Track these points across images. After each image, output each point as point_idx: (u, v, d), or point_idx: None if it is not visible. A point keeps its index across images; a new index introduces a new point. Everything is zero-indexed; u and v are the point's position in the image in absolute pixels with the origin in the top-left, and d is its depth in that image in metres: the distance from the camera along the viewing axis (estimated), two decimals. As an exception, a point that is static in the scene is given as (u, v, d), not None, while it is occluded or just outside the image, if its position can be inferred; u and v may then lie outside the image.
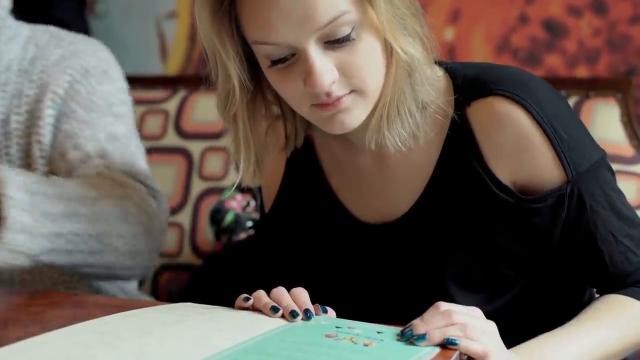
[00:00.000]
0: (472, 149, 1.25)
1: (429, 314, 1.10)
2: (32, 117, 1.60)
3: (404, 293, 1.32)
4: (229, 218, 1.91)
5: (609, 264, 1.26)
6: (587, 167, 1.25)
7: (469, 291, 1.28)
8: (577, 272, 1.30)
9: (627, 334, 1.21)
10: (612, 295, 1.25)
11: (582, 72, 2.25)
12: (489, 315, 1.15)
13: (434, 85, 1.25)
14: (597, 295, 1.34)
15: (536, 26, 2.27)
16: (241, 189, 1.92)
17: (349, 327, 1.13)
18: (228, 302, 1.23)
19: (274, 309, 1.15)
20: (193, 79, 2.27)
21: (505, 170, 1.25)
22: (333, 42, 1.15)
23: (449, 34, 2.32)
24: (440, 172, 1.28)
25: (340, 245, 1.36)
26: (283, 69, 1.18)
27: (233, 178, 2.06)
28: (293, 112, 1.30)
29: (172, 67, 2.53)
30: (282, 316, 1.16)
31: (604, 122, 1.88)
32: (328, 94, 1.16)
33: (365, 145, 1.27)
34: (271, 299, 1.18)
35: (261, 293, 1.19)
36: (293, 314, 1.14)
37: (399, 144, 1.23)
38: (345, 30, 1.15)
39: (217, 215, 1.84)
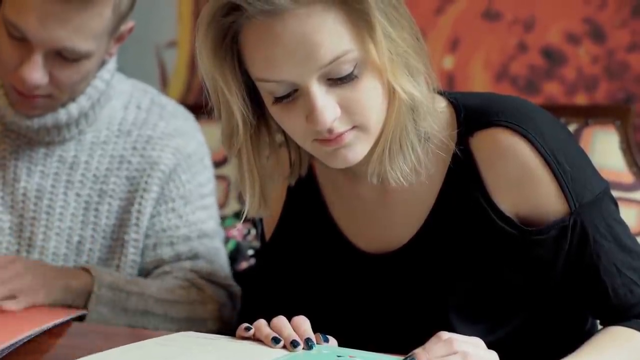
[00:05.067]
0: (475, 180, 1.25)
1: (431, 343, 1.10)
2: (136, 187, 1.67)
3: (405, 323, 1.31)
4: (230, 247, 1.91)
5: (612, 296, 1.25)
6: (590, 199, 1.25)
7: (470, 322, 1.28)
8: (580, 304, 1.30)
9: None
10: (615, 327, 1.24)
11: (581, 99, 2.25)
12: (490, 345, 1.14)
13: (436, 117, 1.25)
14: (599, 327, 1.33)
15: (535, 54, 2.28)
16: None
17: (351, 356, 1.13)
18: (233, 330, 1.23)
19: (275, 340, 1.15)
20: (193, 108, 2.26)
21: (508, 202, 1.25)
22: (336, 80, 1.16)
23: (448, 62, 2.33)
24: (442, 202, 1.28)
25: (341, 275, 1.36)
26: (286, 105, 1.19)
27: (234, 207, 2.06)
28: (295, 146, 1.30)
29: (173, 96, 2.53)
30: (284, 346, 1.16)
31: (603, 150, 1.88)
32: (330, 131, 1.17)
33: (367, 176, 1.27)
34: (272, 329, 1.17)
35: (262, 323, 1.19)
36: (294, 344, 1.14)
37: (401, 178, 1.23)
38: (347, 69, 1.16)
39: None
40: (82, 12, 1.48)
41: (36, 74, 1.51)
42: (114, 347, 1.16)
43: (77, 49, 1.51)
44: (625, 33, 2.20)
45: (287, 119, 1.21)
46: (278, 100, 1.19)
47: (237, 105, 1.22)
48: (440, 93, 1.30)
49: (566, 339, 1.29)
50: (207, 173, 1.76)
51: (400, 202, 1.31)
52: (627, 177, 1.86)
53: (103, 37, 1.54)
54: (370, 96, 1.18)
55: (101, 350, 1.16)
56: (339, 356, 1.13)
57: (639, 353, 1.22)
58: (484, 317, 1.28)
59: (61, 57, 1.52)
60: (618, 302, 1.25)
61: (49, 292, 1.48)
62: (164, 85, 2.62)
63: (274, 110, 1.21)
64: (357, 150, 1.20)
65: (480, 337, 1.15)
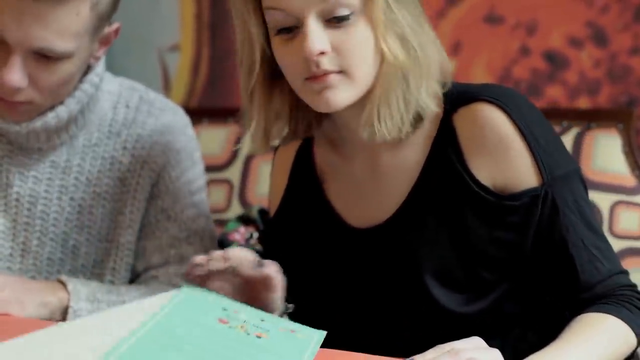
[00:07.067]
0: (455, 151, 1.33)
1: (432, 354, 1.11)
2: (127, 187, 1.67)
3: (390, 295, 1.36)
4: (232, 250, 1.91)
5: (579, 270, 1.30)
6: (561, 173, 1.31)
7: (450, 290, 1.32)
8: (551, 279, 1.34)
9: (608, 351, 1.23)
10: (586, 315, 1.27)
11: (583, 103, 2.25)
12: (472, 317, 1.27)
13: (430, 94, 1.33)
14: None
15: (537, 58, 2.28)
16: (244, 221, 1.92)
17: (235, 311, 1.19)
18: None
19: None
20: (196, 111, 2.27)
21: (485, 170, 1.32)
22: (332, 20, 1.26)
23: (450, 66, 2.33)
24: (425, 175, 1.35)
25: (333, 252, 1.42)
26: (286, 40, 1.29)
27: (236, 210, 2.07)
28: (297, 109, 1.40)
29: (175, 99, 2.54)
30: None
31: (606, 153, 1.88)
32: (317, 65, 1.26)
33: (359, 149, 1.38)
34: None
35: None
36: None
37: (387, 135, 1.31)
38: (344, 11, 1.26)
39: (220, 248, 1.84)
40: (57, 9, 1.46)
41: (15, 75, 1.48)
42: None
43: (55, 49, 1.49)
44: (628, 37, 2.21)
45: (284, 54, 1.30)
46: (279, 32, 1.29)
47: (258, 41, 1.32)
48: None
49: (547, 318, 1.36)
50: (196, 169, 1.75)
51: (388, 178, 1.38)
52: (630, 180, 1.86)
53: (83, 37, 1.52)
54: (360, 45, 1.28)
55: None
56: (224, 309, 1.18)
57: (615, 336, 1.25)
58: (463, 288, 1.33)
59: (40, 58, 1.50)
60: (584, 277, 1.30)
61: (23, 308, 1.46)
62: (166, 88, 2.62)
63: (276, 43, 1.31)
64: (340, 95, 1.29)
65: (461, 307, 1.28)
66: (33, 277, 1.63)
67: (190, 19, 2.61)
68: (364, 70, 1.29)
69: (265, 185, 1.66)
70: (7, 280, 1.49)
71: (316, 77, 1.28)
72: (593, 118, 1.93)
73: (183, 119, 1.76)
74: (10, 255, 1.63)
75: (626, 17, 2.21)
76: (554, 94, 2.26)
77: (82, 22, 1.50)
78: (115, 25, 1.62)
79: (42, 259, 1.64)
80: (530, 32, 2.28)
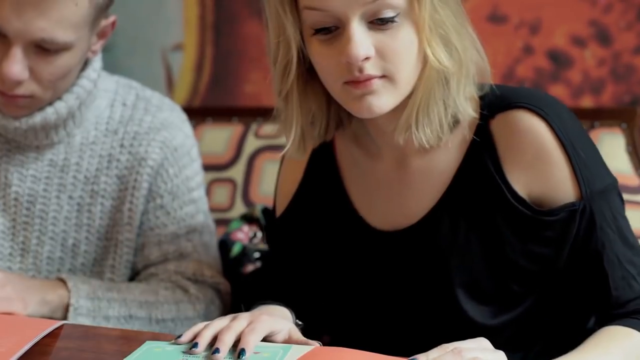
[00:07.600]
0: (492, 159, 1.29)
1: (435, 354, 1.10)
2: (126, 185, 1.67)
3: (414, 301, 1.33)
4: (235, 250, 1.91)
5: (612, 287, 1.28)
6: (600, 188, 1.28)
7: (477, 302, 1.30)
8: (582, 293, 1.32)
9: None
10: (613, 327, 1.25)
11: (587, 102, 2.25)
12: (497, 330, 1.22)
13: (470, 101, 1.29)
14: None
15: (541, 57, 2.28)
16: (248, 220, 1.92)
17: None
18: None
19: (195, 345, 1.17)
20: (199, 111, 2.27)
21: (522, 181, 1.28)
22: (376, 23, 1.21)
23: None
24: (459, 180, 1.31)
25: (351, 252, 1.38)
26: (324, 41, 1.24)
27: (239, 209, 2.07)
28: (329, 108, 1.35)
29: (179, 99, 2.54)
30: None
31: (610, 152, 1.87)
32: (360, 70, 1.21)
33: (388, 149, 1.33)
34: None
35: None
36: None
37: (424, 141, 1.27)
38: (389, 13, 1.20)
39: (223, 247, 1.84)
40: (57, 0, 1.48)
41: (15, 67, 1.49)
42: (120, 349, 1.16)
43: (55, 39, 1.49)
44: (631, 36, 2.20)
45: (323, 56, 1.25)
46: (318, 32, 1.23)
47: (295, 40, 1.26)
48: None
49: (569, 332, 1.33)
50: (194, 165, 1.75)
51: (417, 180, 1.34)
52: (634, 179, 1.86)
53: (82, 29, 1.53)
54: (405, 48, 1.22)
55: (107, 352, 1.17)
56: (183, 352, 1.16)
57: (636, 351, 1.23)
58: (491, 300, 1.30)
59: (41, 50, 1.50)
60: (617, 294, 1.28)
61: (25, 305, 1.47)
62: (170, 88, 2.62)
63: (313, 45, 1.25)
64: (382, 100, 1.23)
65: (487, 319, 1.24)
66: (33, 277, 1.63)
67: (194, 18, 2.61)
68: (407, 75, 1.23)
69: (269, 184, 1.66)
70: (9, 278, 1.49)
71: (358, 81, 1.22)
72: (596, 117, 1.93)
73: (180, 115, 1.76)
74: (10, 254, 1.64)
75: (629, 16, 2.21)
76: (558, 93, 2.26)
77: (80, 13, 1.51)
78: (111, 18, 1.63)
79: (41, 258, 1.64)
80: (534, 31, 2.27)
